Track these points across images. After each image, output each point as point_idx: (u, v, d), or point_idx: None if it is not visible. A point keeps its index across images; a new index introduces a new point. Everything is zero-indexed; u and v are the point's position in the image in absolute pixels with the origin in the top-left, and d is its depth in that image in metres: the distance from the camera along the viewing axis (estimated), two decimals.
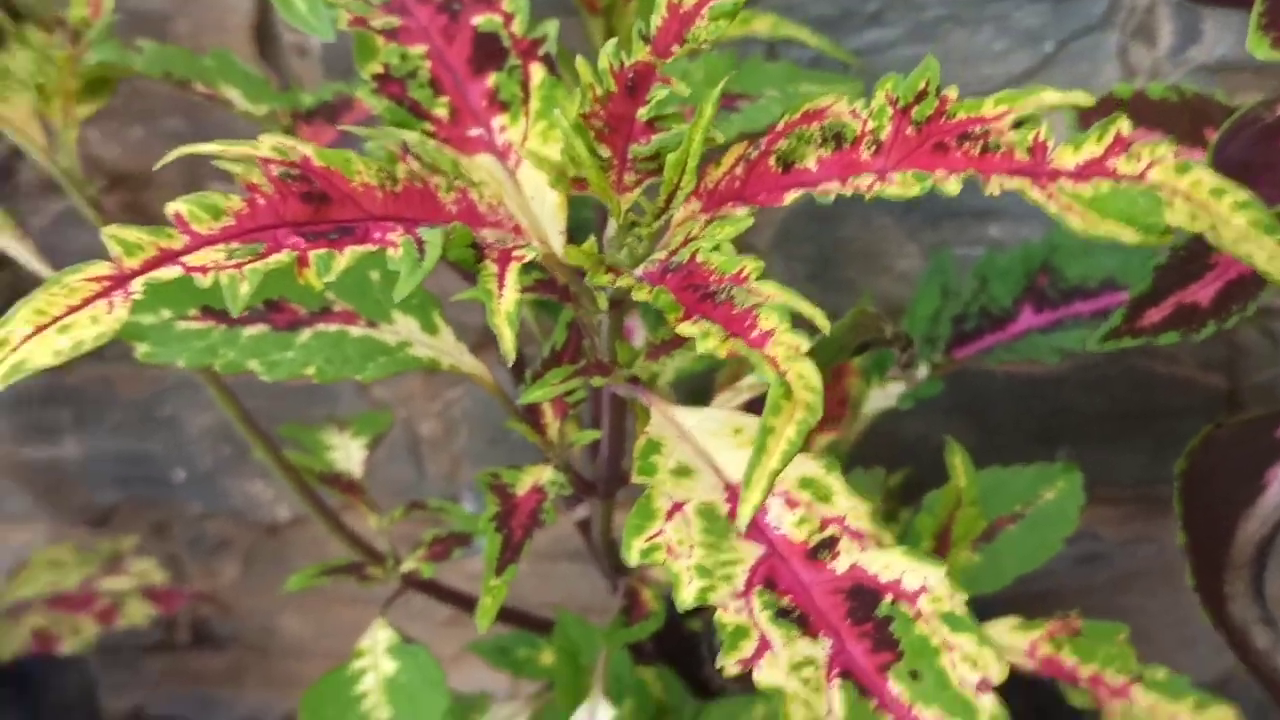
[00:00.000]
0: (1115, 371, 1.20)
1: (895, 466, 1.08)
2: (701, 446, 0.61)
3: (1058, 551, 0.89)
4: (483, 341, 0.97)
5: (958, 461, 0.81)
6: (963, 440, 1.24)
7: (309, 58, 1.23)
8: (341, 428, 1.03)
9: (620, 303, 0.65)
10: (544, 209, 0.68)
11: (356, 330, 0.74)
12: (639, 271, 0.61)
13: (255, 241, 0.54)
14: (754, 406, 0.67)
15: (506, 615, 0.98)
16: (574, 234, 0.66)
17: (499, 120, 0.70)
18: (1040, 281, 1.05)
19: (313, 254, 0.54)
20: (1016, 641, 0.80)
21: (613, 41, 0.62)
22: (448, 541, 0.90)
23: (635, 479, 0.59)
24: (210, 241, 0.53)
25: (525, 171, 0.69)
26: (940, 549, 0.80)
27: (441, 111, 0.70)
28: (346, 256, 0.55)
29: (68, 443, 1.49)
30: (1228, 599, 0.71)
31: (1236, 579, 0.70)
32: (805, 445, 0.51)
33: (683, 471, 0.60)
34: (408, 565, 0.89)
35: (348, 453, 1.00)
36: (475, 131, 0.70)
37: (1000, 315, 1.05)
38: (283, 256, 0.54)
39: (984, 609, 0.89)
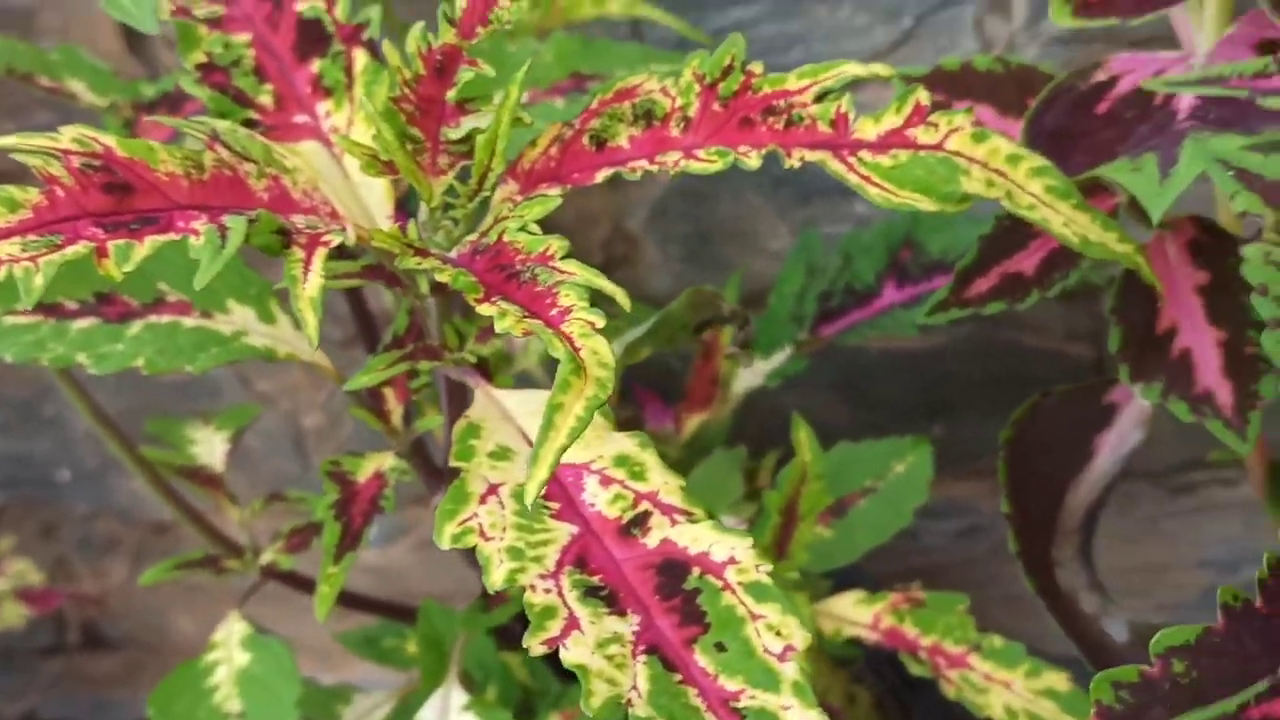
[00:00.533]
0: (988, 345, 1.21)
1: (776, 445, 1.09)
2: (522, 427, 0.62)
3: (910, 523, 0.90)
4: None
5: (802, 437, 0.81)
6: (843, 416, 1.25)
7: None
8: (206, 421, 1.03)
9: (444, 286, 0.65)
10: (372, 195, 0.68)
11: (190, 321, 0.73)
12: (453, 253, 0.61)
13: (54, 233, 0.54)
14: None
15: (377, 606, 0.98)
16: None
17: (324, 106, 0.70)
18: (903, 257, 1.06)
19: (111, 244, 0.54)
20: (861, 615, 0.80)
21: (420, 25, 0.62)
22: (306, 532, 0.90)
23: (452, 463, 0.60)
24: (6, 234, 0.53)
25: (351, 158, 0.69)
26: (787, 524, 0.80)
27: (266, 99, 0.69)
28: (146, 246, 0.54)
29: None
30: (1055, 564, 0.72)
31: (1065, 544, 0.71)
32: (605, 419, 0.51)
33: (501, 454, 0.60)
34: (266, 557, 0.89)
35: (210, 446, 1.00)
36: (301, 118, 0.70)
37: (864, 291, 1.06)
38: (80, 248, 0.53)
39: (859, 583, 0.90)
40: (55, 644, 1.54)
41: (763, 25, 1.11)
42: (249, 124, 0.69)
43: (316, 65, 0.70)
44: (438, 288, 0.65)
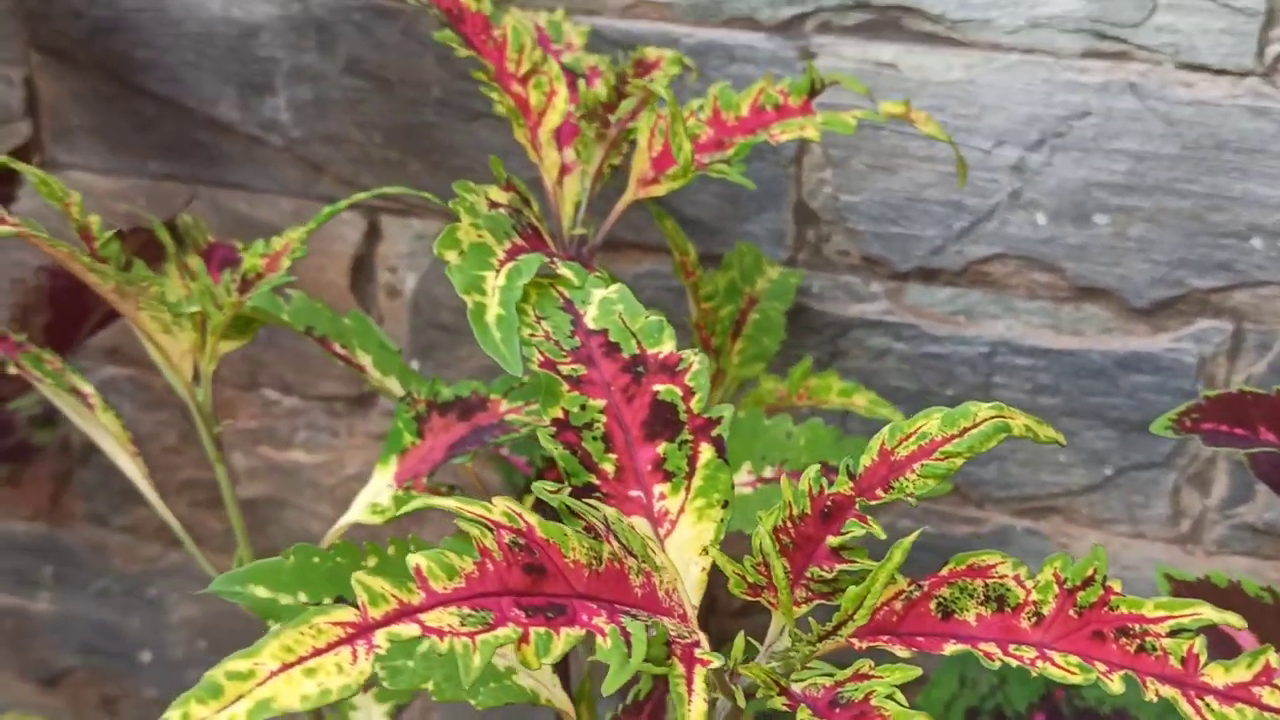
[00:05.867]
0: None
1: None
2: None
3: None
4: None
5: None
6: None
7: (398, 300, 1.26)
8: (365, 688, 1.04)
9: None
10: (686, 581, 0.71)
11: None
12: (797, 690, 0.64)
13: (483, 608, 0.56)
14: None
15: None
16: None
17: (660, 488, 0.73)
18: (1057, 695, 1.09)
19: (533, 632, 0.57)
20: None
21: (815, 467, 0.66)
22: None
23: None
24: (444, 601, 0.56)
25: (674, 541, 0.72)
26: None
27: (609, 468, 0.73)
28: (563, 640, 0.57)
29: (41, 598, 1.48)
30: None
31: None
32: None
33: None
34: None
35: (369, 716, 1.01)
36: (635, 493, 0.73)
37: (1014, 718, 1.09)
38: (509, 631, 0.56)
39: None
40: None
41: None
42: (587, 488, 0.72)
43: (662, 448, 0.73)
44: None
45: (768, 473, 0.98)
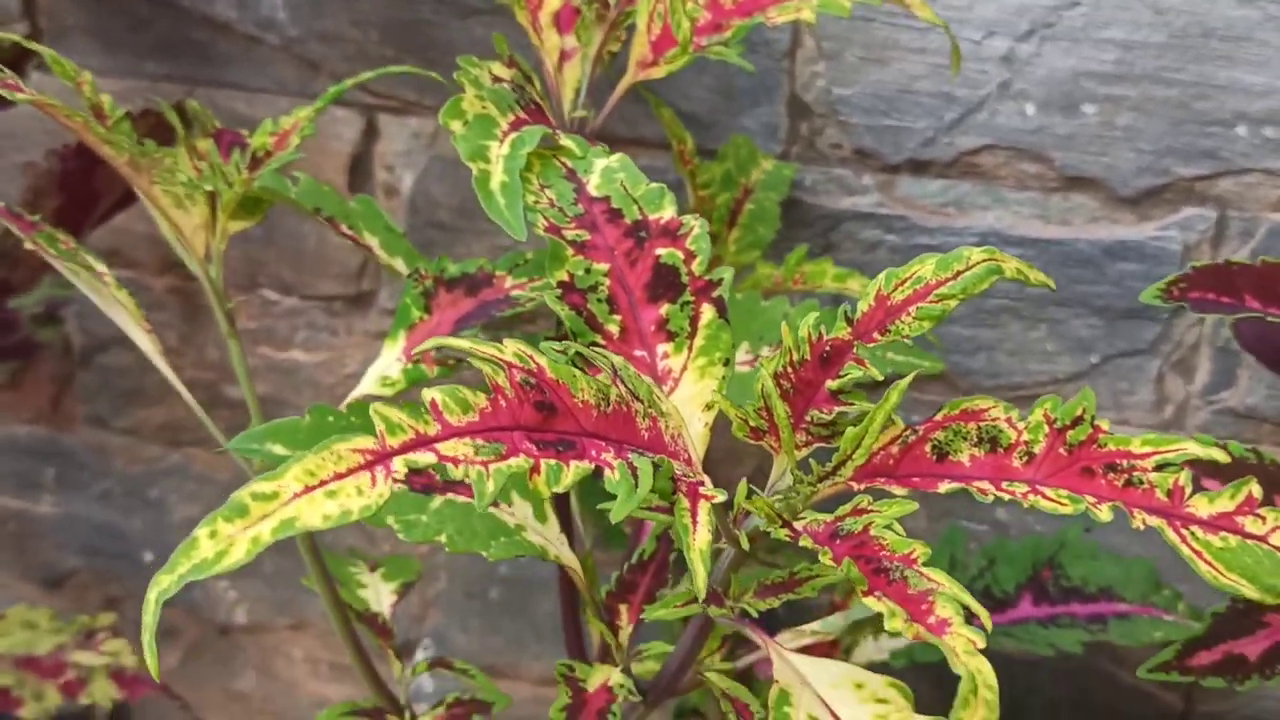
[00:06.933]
0: (1086, 669, 1.26)
1: None
2: (824, 698, 0.66)
3: None
4: None
5: None
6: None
7: (396, 198, 1.28)
8: (372, 567, 1.07)
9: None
10: (693, 431, 0.73)
11: None
12: (799, 525, 0.66)
13: (496, 440, 0.59)
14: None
15: None
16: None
17: (664, 347, 0.75)
18: (1044, 575, 1.12)
19: (544, 463, 0.59)
20: None
21: (814, 314, 0.68)
22: (469, 706, 0.93)
23: None
24: (458, 433, 0.58)
25: (678, 397, 0.74)
26: None
27: (613, 328, 0.75)
28: (571, 472, 0.59)
29: (44, 500, 1.50)
30: None
31: None
32: None
33: None
34: (425, 719, 0.93)
35: (378, 593, 1.03)
36: (640, 353, 0.75)
37: (1002, 598, 1.12)
38: (521, 461, 0.58)
39: None
40: (82, 715, 1.54)
41: (956, 326, 1.18)
42: (593, 348, 0.74)
43: (664, 309, 0.75)
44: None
45: (765, 352, 1.00)
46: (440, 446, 0.57)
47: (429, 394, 0.58)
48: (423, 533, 0.75)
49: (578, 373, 0.63)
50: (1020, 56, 1.10)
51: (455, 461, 0.57)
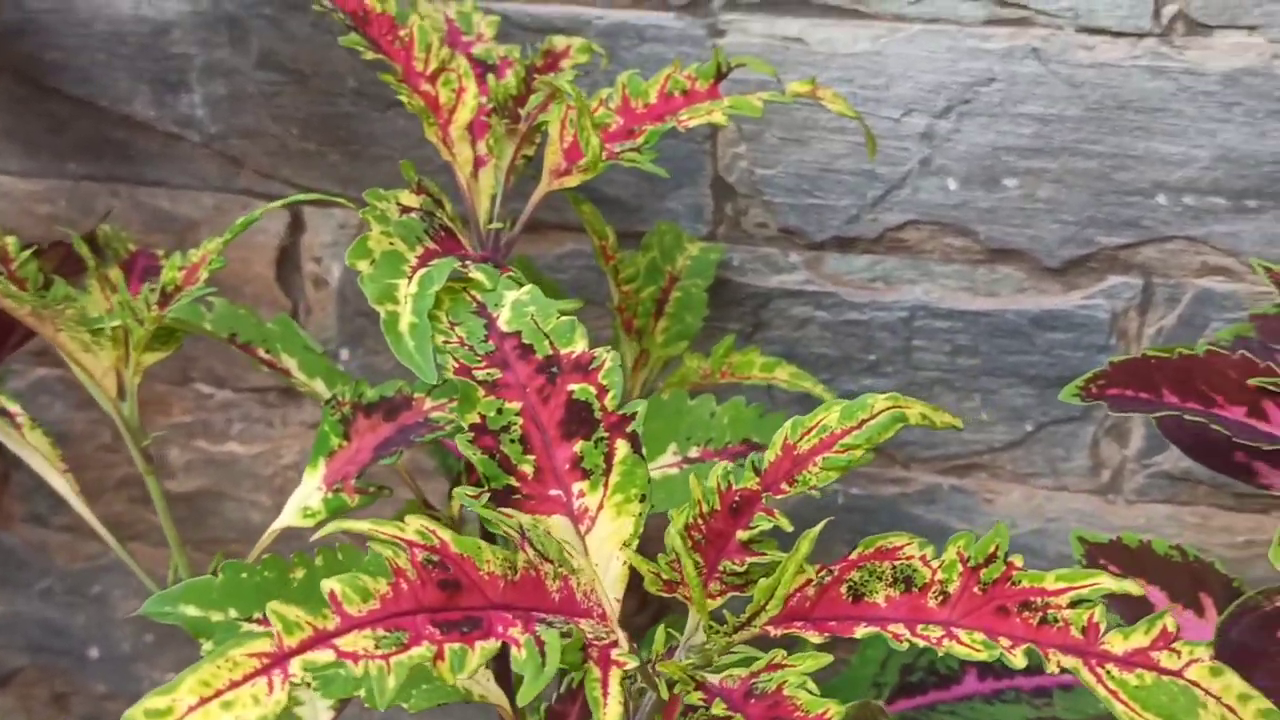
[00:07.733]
0: None
1: None
2: None
3: None
4: None
5: None
6: None
7: (325, 290, 1.27)
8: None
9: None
10: (609, 575, 0.73)
11: None
12: (715, 681, 0.66)
13: (398, 628, 0.58)
14: None
15: None
16: None
17: (579, 485, 0.74)
18: None
19: (447, 649, 0.58)
20: None
21: (723, 465, 0.68)
22: None
23: None
24: (359, 624, 0.57)
25: (595, 536, 0.74)
26: None
27: (527, 469, 0.74)
28: (478, 653, 0.59)
29: None
30: None
31: None
32: None
33: None
34: None
35: (314, 710, 1.02)
36: (555, 492, 0.74)
37: (946, 674, 1.11)
38: (424, 650, 0.58)
39: None
40: None
41: None
42: (508, 490, 0.73)
43: (579, 446, 0.75)
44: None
45: (693, 453, 0.99)
46: (339, 642, 0.57)
47: (328, 584, 0.58)
48: (341, 688, 0.73)
49: (483, 544, 0.63)
50: (939, 133, 1.10)
51: (355, 658, 0.56)
